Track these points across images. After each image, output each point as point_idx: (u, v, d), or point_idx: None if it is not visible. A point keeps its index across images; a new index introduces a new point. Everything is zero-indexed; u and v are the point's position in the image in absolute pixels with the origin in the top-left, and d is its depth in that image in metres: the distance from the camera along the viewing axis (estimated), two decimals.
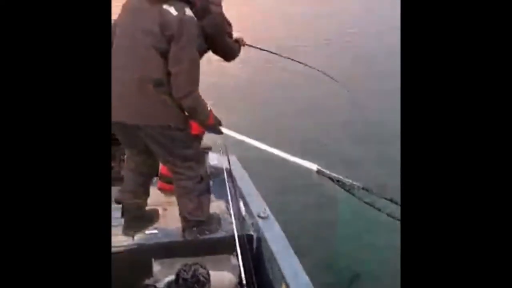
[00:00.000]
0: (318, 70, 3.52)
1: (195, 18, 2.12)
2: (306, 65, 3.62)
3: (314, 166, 2.27)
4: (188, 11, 2.09)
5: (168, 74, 2.10)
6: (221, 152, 2.94)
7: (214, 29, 2.38)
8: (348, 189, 2.08)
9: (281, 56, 3.64)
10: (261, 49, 3.36)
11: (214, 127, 2.35)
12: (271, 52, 3.61)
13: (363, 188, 2.02)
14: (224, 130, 2.39)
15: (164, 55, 2.08)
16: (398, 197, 1.73)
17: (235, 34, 2.65)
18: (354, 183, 2.06)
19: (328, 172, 2.20)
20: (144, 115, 2.16)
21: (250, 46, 2.94)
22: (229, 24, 2.52)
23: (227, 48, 2.54)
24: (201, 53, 2.29)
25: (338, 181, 2.13)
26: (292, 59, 3.54)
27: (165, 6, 2.05)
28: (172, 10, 2.04)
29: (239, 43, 2.67)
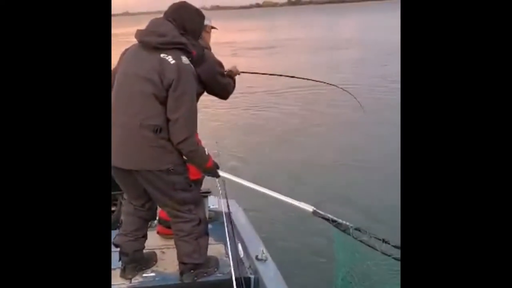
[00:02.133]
0: (327, 83, 3.57)
1: (192, 66, 2.20)
2: (315, 80, 3.64)
3: (310, 208, 2.29)
4: (185, 59, 2.16)
5: (167, 120, 2.14)
6: (220, 195, 2.97)
7: (209, 74, 2.49)
8: (344, 229, 2.10)
9: (281, 75, 3.63)
10: (256, 73, 3.43)
11: (212, 170, 2.38)
12: (269, 74, 3.67)
13: (356, 229, 2.04)
14: (222, 173, 2.43)
15: (164, 102, 2.12)
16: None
17: (227, 67, 2.72)
18: (348, 223, 2.08)
19: (323, 213, 2.23)
20: (143, 161, 2.19)
21: (245, 72, 3.02)
22: (220, 64, 2.62)
23: (222, 88, 2.64)
24: (197, 96, 2.35)
25: (333, 221, 2.15)
26: (293, 76, 3.54)
27: (162, 55, 2.12)
28: (170, 59, 2.11)
29: (232, 76, 2.74)
